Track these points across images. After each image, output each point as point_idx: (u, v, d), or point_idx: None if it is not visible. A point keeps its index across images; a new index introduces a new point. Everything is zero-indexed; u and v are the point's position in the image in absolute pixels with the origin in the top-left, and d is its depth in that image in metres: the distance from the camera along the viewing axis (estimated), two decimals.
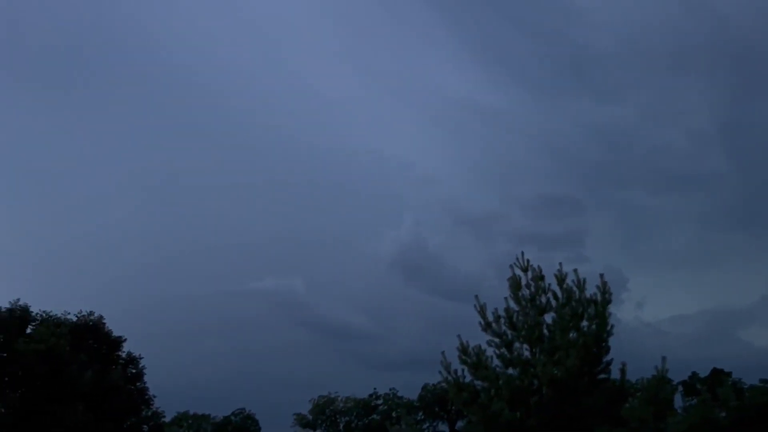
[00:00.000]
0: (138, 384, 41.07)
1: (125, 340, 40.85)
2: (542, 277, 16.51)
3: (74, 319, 39.55)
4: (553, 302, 16.34)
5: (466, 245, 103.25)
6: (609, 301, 16.03)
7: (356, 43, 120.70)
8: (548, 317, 16.30)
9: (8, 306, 38.05)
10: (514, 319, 16.17)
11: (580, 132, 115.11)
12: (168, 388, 47.86)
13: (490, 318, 16.33)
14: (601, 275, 16.29)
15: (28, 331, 37.97)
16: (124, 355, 41.02)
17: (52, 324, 37.93)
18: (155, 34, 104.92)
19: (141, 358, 41.32)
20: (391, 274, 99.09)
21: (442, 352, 16.46)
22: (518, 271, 16.64)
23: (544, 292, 16.44)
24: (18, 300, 38.38)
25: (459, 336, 16.23)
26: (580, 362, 15.23)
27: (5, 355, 35.78)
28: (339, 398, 69.02)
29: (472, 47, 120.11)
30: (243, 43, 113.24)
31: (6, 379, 35.92)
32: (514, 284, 16.52)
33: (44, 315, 38.92)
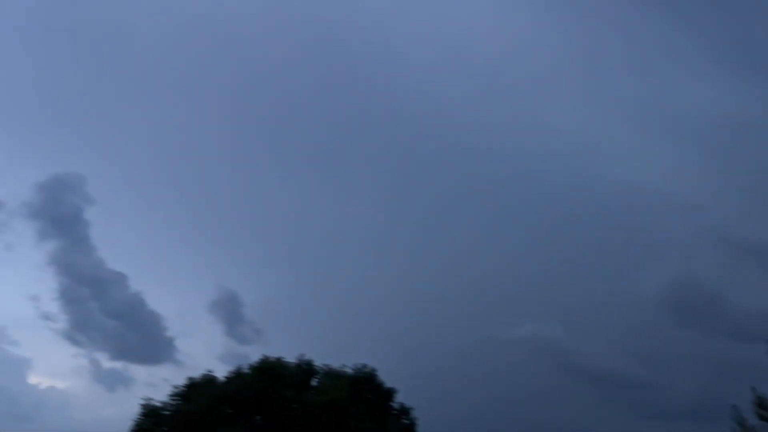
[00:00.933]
0: None
1: (397, 391, 42.87)
2: None
3: (351, 371, 42.57)
4: None
5: (748, 277, 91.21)
6: None
7: (591, 71, 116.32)
8: None
9: (295, 361, 42.43)
10: None
11: None
12: None
13: None
14: None
15: (313, 383, 41.82)
16: (396, 406, 42.96)
17: (333, 376, 41.32)
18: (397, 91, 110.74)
19: (412, 409, 42.90)
20: (660, 313, 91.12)
21: (733, 405, 14.76)
22: None
23: None
24: (303, 355, 42.68)
25: (753, 388, 14.42)
26: None
27: (296, 407, 39.62)
28: None
29: (721, 55, 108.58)
30: (480, 83, 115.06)
31: (297, 429, 39.64)
32: None
33: (326, 368, 42.56)
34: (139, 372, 76.20)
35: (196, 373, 43.30)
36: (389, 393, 42.77)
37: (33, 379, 78.14)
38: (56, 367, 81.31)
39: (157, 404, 40.76)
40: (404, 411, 42.96)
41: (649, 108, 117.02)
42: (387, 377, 43.14)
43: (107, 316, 73.84)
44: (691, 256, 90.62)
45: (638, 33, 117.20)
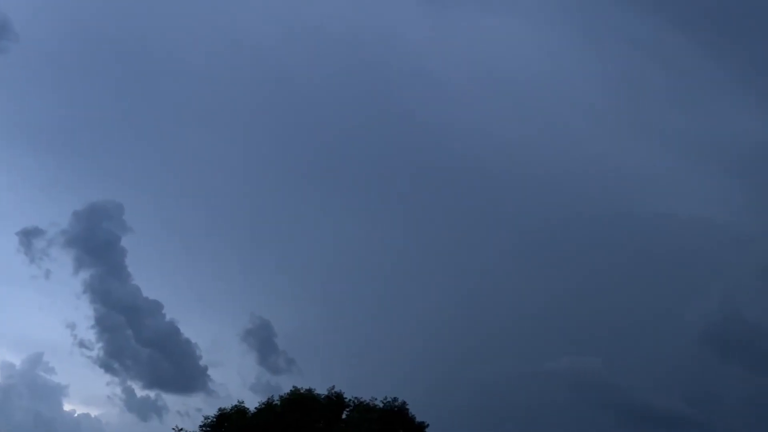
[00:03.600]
0: None
1: (428, 425, 41.98)
2: None
3: (381, 405, 41.81)
4: None
5: None
6: None
7: (631, 99, 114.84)
8: None
9: (326, 393, 41.94)
10: None
11: None
12: None
13: None
14: None
15: (344, 416, 41.18)
16: None
17: (363, 410, 40.65)
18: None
19: None
20: (704, 349, 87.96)
21: None
22: None
23: None
24: (333, 387, 42.17)
25: None
26: None
27: None
28: None
29: (763, 86, 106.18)
30: (514, 107, 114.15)
31: None
32: None
33: (356, 401, 41.94)
34: (173, 401, 76.37)
35: (229, 403, 43.28)
36: (420, 427, 41.96)
37: (68, 406, 79.36)
38: (91, 395, 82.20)
39: None
40: None
41: (689, 137, 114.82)
42: (418, 411, 42.44)
43: (142, 344, 74.26)
44: (736, 288, 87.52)
45: (678, 64, 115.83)
